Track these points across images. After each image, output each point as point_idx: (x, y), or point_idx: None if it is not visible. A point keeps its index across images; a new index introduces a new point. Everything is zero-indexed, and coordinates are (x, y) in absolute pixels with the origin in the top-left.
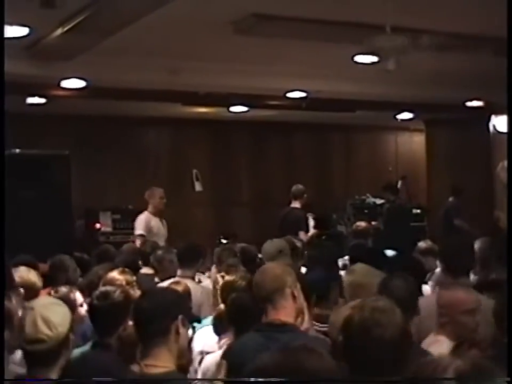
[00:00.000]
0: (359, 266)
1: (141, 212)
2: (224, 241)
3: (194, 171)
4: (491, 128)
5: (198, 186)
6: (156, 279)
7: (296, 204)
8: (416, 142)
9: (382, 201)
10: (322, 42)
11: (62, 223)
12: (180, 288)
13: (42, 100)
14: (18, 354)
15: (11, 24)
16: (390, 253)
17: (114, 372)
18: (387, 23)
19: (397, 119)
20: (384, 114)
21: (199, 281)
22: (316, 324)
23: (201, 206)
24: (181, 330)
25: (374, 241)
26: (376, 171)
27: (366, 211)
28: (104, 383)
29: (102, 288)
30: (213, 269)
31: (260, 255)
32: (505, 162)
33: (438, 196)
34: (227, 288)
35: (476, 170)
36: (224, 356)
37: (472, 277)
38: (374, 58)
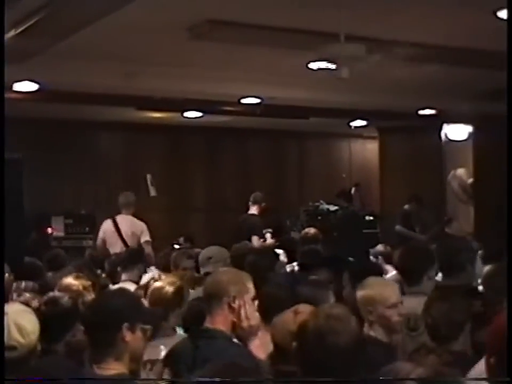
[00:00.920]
0: (372, 280)
1: (93, 217)
2: (178, 246)
3: (149, 176)
4: (443, 136)
5: (152, 191)
6: None
7: (253, 210)
8: (370, 149)
9: (335, 208)
10: (277, 49)
11: (13, 227)
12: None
13: None
14: None
15: None
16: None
17: (60, 375)
18: (341, 31)
19: (350, 126)
20: (337, 121)
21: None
22: None
23: (156, 211)
24: (128, 338)
25: (325, 247)
26: (329, 178)
27: (319, 218)
28: (104, 382)
29: (50, 294)
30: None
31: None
32: (457, 171)
33: (391, 203)
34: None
35: (428, 178)
36: (163, 360)
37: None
38: (328, 66)
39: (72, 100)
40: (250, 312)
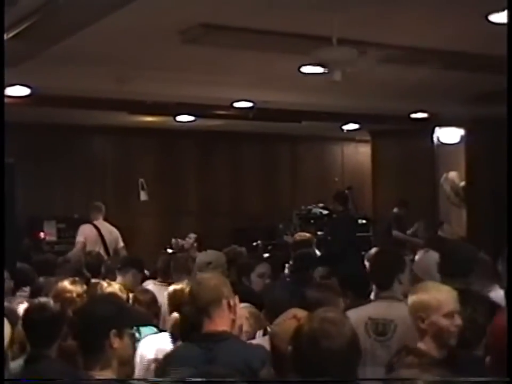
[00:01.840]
0: (427, 283)
1: (86, 221)
2: (170, 250)
3: (141, 180)
4: (435, 139)
5: (143, 196)
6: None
7: None
8: (362, 152)
9: (327, 211)
10: (270, 53)
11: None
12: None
13: None
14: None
15: None
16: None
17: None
18: (333, 35)
19: (343, 129)
20: (330, 125)
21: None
22: None
23: (147, 216)
24: (116, 345)
25: (318, 251)
26: (322, 181)
27: (312, 221)
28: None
29: (36, 300)
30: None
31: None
32: (449, 174)
33: (383, 206)
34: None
35: (420, 181)
36: (160, 365)
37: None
38: (321, 70)
39: (64, 104)
40: (239, 312)
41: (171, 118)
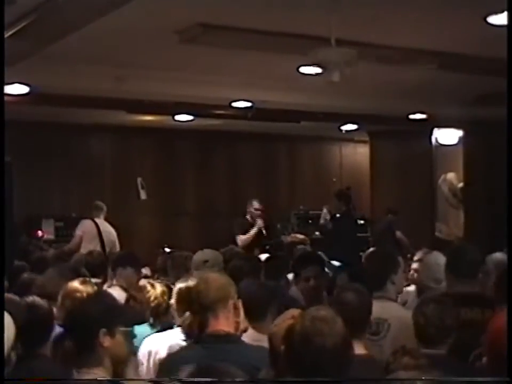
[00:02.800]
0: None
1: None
2: (168, 250)
3: (139, 179)
4: (433, 141)
5: (142, 195)
6: None
7: None
8: (360, 153)
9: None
10: (268, 53)
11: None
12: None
13: None
14: None
15: None
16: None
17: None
18: (332, 35)
19: (341, 130)
20: (328, 125)
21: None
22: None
23: (146, 215)
24: (107, 343)
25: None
26: (320, 182)
27: (310, 221)
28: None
29: (27, 299)
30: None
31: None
32: (447, 175)
33: (382, 207)
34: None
35: (418, 182)
36: (162, 367)
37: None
38: (319, 70)
39: (62, 103)
40: (241, 314)
41: (169, 117)
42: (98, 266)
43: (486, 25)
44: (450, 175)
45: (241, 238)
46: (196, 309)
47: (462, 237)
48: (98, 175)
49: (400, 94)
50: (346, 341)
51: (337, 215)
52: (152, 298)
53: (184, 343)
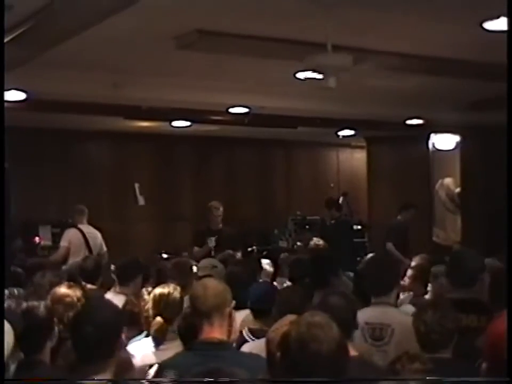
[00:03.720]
0: None
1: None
2: (165, 256)
3: (137, 185)
4: (430, 146)
5: (140, 201)
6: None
7: None
8: (358, 158)
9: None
10: (265, 59)
11: None
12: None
13: None
14: None
15: None
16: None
17: None
18: (328, 41)
19: (338, 135)
20: (325, 130)
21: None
22: (253, 338)
23: (143, 220)
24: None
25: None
26: (317, 187)
27: (307, 227)
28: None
29: (25, 304)
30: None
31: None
32: (444, 180)
33: (379, 212)
34: (162, 301)
35: (415, 187)
36: (155, 374)
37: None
38: (316, 76)
39: (59, 109)
40: (234, 321)
41: (167, 123)
42: (93, 272)
43: (482, 31)
44: (448, 180)
45: (195, 250)
46: (191, 314)
47: (459, 241)
48: (96, 181)
49: (397, 100)
50: (342, 346)
51: (332, 222)
52: (146, 307)
53: (154, 351)
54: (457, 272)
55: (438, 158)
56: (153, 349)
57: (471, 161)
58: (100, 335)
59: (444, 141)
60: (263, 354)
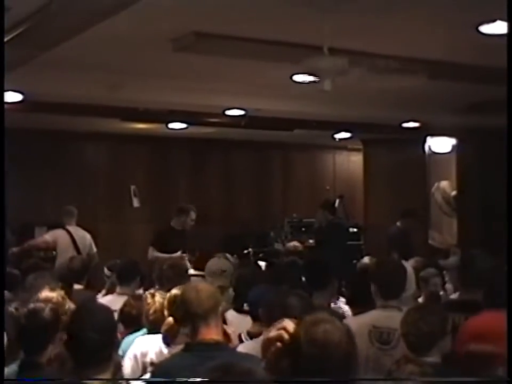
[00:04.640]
0: None
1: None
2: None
3: (133, 187)
4: (427, 149)
5: (135, 202)
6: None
7: None
8: (354, 161)
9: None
10: (262, 61)
11: None
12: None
13: None
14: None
15: None
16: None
17: None
18: (324, 44)
19: (334, 138)
20: (322, 133)
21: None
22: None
23: (139, 222)
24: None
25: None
26: (313, 189)
27: (303, 229)
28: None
29: (30, 306)
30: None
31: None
32: (440, 183)
33: (375, 215)
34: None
35: (411, 190)
36: (153, 376)
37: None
38: (312, 78)
39: (56, 110)
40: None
41: (163, 125)
42: (80, 272)
43: (478, 34)
44: (444, 183)
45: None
46: (187, 317)
47: (455, 244)
48: (92, 183)
49: (393, 102)
50: (346, 350)
51: (326, 225)
52: (151, 311)
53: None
54: (468, 273)
55: (434, 161)
56: (164, 349)
57: (467, 164)
58: (95, 340)
59: (440, 144)
60: (258, 354)
